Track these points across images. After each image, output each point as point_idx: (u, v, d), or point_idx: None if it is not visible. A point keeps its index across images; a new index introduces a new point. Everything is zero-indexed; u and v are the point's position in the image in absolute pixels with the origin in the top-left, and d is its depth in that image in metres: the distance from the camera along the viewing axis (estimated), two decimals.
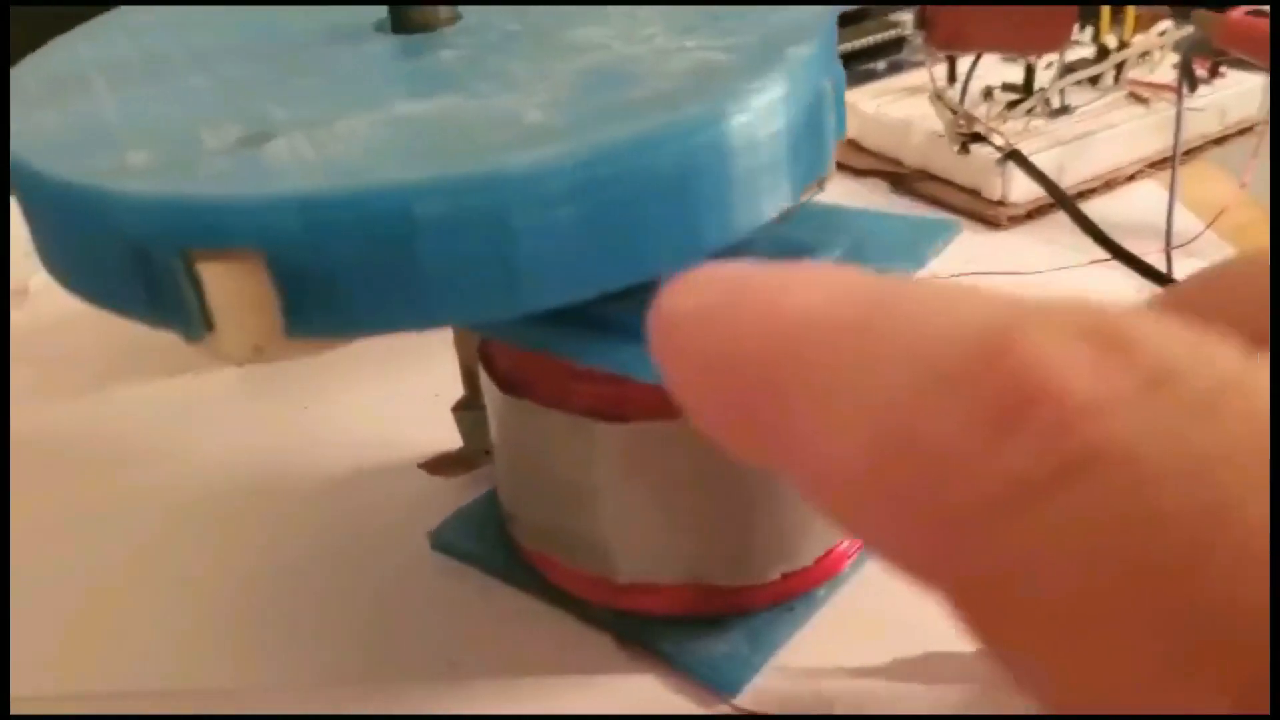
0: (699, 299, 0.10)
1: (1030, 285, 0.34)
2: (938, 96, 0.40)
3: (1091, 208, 0.37)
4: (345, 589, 0.26)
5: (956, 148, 0.40)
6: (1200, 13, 0.35)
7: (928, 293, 0.09)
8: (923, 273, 0.21)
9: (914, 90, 0.45)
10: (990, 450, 0.08)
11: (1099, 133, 0.40)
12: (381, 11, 0.22)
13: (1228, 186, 0.39)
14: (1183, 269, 0.34)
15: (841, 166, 0.43)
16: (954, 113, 0.40)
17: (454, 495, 0.27)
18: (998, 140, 0.39)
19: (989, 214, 0.39)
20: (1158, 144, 0.41)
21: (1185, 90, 0.37)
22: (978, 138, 0.39)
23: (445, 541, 0.26)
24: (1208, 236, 0.36)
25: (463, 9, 0.22)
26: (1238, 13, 0.34)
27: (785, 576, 0.22)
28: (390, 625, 0.24)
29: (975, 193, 0.40)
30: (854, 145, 0.45)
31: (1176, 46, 0.40)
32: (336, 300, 0.15)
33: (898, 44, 0.54)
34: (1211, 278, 0.11)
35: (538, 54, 0.19)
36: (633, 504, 0.22)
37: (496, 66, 0.19)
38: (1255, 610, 0.07)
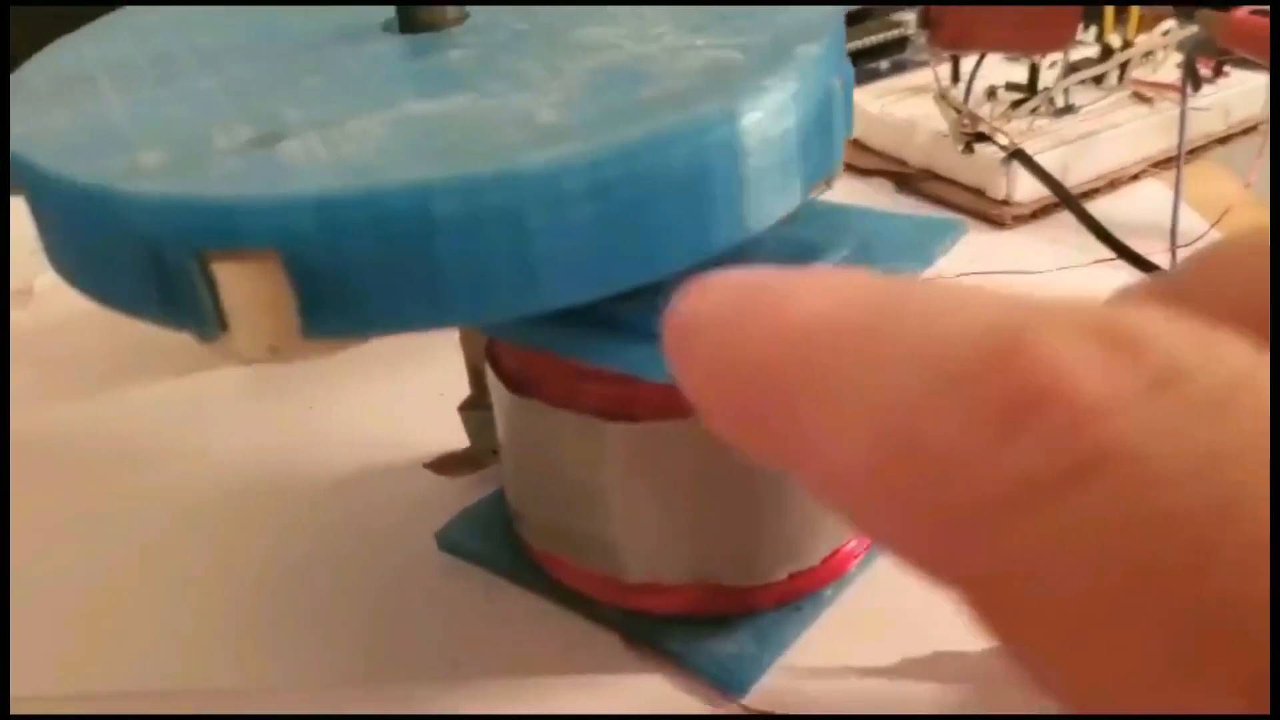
0: (711, 305, 0.10)
1: (1035, 284, 0.34)
2: (942, 96, 0.40)
3: (1096, 207, 0.37)
4: (351, 589, 0.26)
5: (961, 147, 0.40)
6: (1204, 12, 0.36)
7: (934, 294, 0.09)
8: (929, 272, 0.21)
9: (918, 90, 0.45)
10: (998, 450, 0.08)
11: (1103, 132, 0.40)
12: (387, 11, 0.22)
13: (1232, 186, 0.39)
14: None
15: (846, 166, 0.43)
16: (958, 112, 0.40)
17: (460, 495, 0.27)
18: (1002, 140, 0.39)
19: (993, 213, 0.39)
20: (1162, 143, 0.41)
21: (1189, 89, 0.37)
22: (982, 137, 0.39)
23: (451, 541, 0.26)
24: (1212, 236, 0.36)
25: (470, 9, 0.22)
26: (1241, 12, 0.34)
27: (793, 576, 0.22)
28: (396, 625, 0.24)
29: (980, 192, 0.40)
30: (858, 145, 0.45)
31: (1180, 46, 0.40)
32: (352, 300, 0.15)
33: (901, 43, 0.54)
34: (1205, 262, 0.11)
35: (548, 53, 0.19)
36: (641, 504, 0.22)
37: (508, 66, 0.19)
38: (1263, 608, 0.07)
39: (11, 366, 0.36)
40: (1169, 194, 0.36)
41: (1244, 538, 0.07)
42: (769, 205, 0.18)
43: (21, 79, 0.21)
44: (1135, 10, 0.42)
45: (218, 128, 0.17)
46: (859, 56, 0.52)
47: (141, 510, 0.29)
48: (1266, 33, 0.34)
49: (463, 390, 0.27)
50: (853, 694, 0.21)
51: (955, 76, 0.43)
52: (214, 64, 0.21)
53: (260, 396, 0.33)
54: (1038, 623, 0.08)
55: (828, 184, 0.19)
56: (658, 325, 0.18)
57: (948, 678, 0.21)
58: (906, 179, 0.42)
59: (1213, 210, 0.37)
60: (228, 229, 0.15)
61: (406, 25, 0.21)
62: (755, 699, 0.21)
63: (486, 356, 0.23)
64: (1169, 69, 0.43)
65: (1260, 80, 0.43)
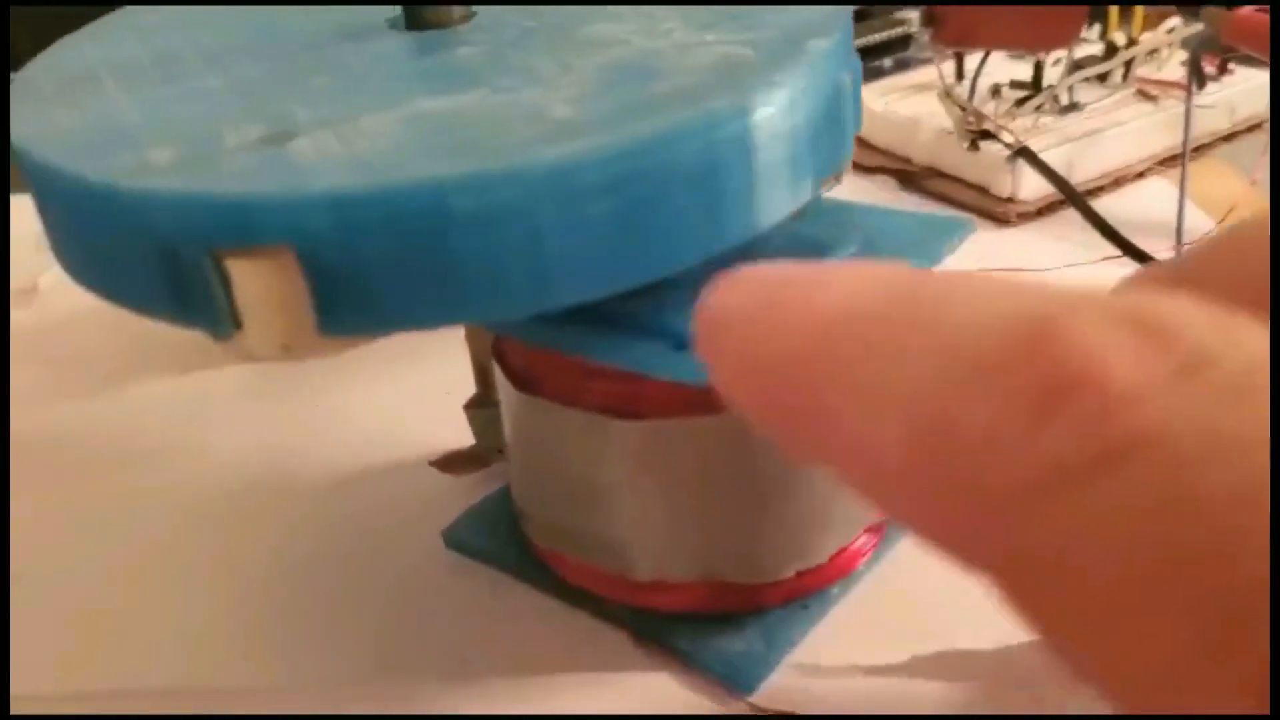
0: (740, 300, 0.10)
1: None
2: (946, 93, 0.40)
3: (1101, 205, 0.37)
4: (357, 587, 0.26)
5: (965, 145, 0.40)
6: (1209, 9, 0.35)
7: (958, 284, 0.09)
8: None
9: (922, 87, 0.45)
10: (1031, 435, 0.08)
11: (1108, 130, 0.40)
12: (388, 11, 0.22)
13: (1238, 183, 0.39)
14: None
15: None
16: (963, 109, 0.40)
17: (466, 493, 0.27)
18: (1007, 137, 0.39)
19: (998, 211, 0.39)
20: (1167, 141, 0.41)
21: (1194, 87, 0.37)
22: (987, 135, 0.39)
23: (458, 539, 0.26)
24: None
25: (476, 8, 0.22)
26: (1246, 9, 0.34)
27: (800, 574, 0.22)
28: (402, 623, 0.24)
29: (984, 190, 0.40)
30: (862, 142, 0.45)
31: (1185, 43, 0.40)
32: (366, 297, 0.15)
33: (904, 41, 0.54)
34: (1216, 247, 0.11)
35: (558, 49, 0.19)
36: (647, 501, 0.22)
37: (518, 62, 0.19)
38: None
39: (16, 365, 0.36)
40: (1174, 192, 0.36)
41: (1269, 522, 0.07)
42: (781, 200, 0.18)
43: (25, 79, 0.21)
44: (1140, 8, 0.42)
45: (227, 126, 0.17)
46: (862, 54, 0.52)
47: (145, 509, 0.29)
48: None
49: (468, 388, 0.27)
50: (861, 692, 0.21)
51: (959, 74, 0.43)
52: (218, 63, 0.21)
53: (264, 395, 0.33)
54: (1069, 608, 0.08)
55: (837, 179, 0.19)
56: (663, 323, 0.18)
57: (956, 676, 0.21)
58: (910, 176, 0.42)
59: (1218, 208, 0.37)
60: (242, 226, 0.15)
61: (412, 23, 0.21)
62: (763, 697, 0.21)
63: (493, 354, 0.23)
64: (1174, 66, 0.43)
65: (1265, 78, 0.42)
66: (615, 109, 0.16)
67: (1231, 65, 0.43)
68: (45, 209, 0.18)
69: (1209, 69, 0.41)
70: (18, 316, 0.39)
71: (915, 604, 0.23)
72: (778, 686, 0.22)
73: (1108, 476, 0.07)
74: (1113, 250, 0.35)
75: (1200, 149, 0.42)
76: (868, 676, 0.21)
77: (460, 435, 0.28)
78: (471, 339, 0.27)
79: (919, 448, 0.08)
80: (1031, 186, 0.39)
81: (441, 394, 0.29)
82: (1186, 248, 0.12)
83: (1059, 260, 0.36)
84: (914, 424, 0.08)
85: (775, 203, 0.17)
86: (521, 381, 0.22)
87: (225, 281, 0.15)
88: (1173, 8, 0.40)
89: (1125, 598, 0.07)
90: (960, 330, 0.09)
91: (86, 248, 0.17)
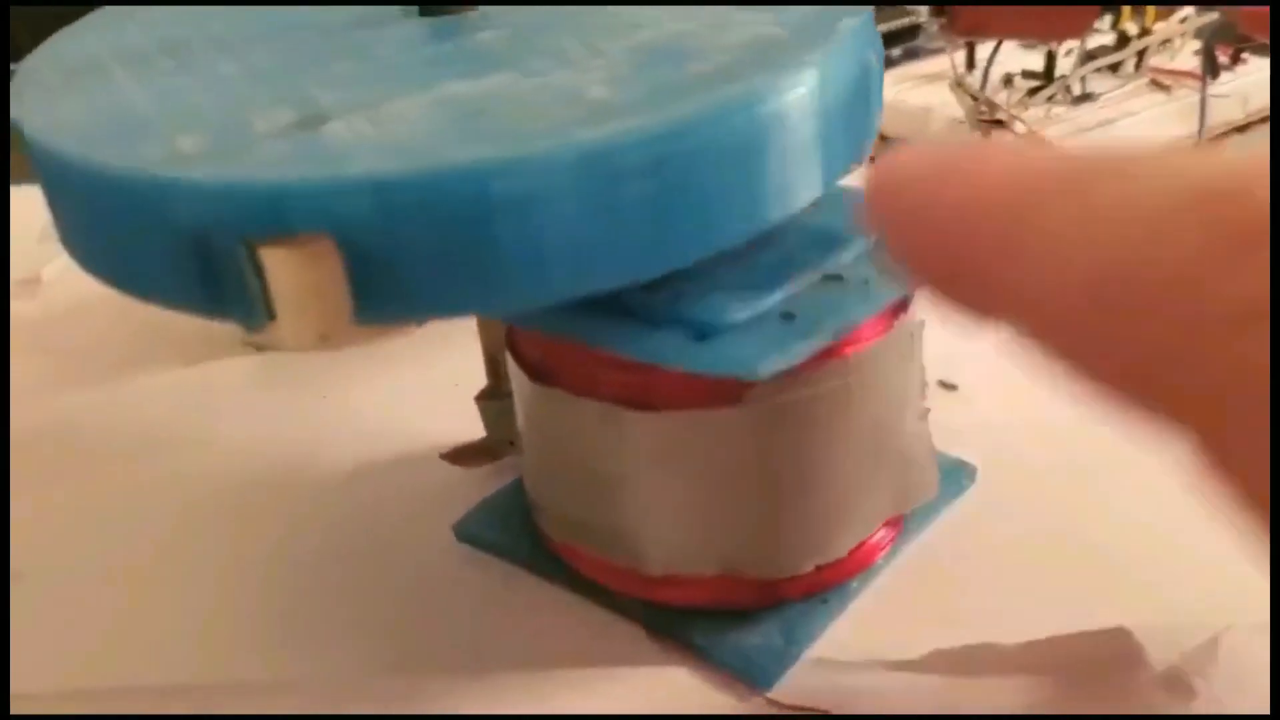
0: (913, 163, 0.11)
1: None
2: (958, 83, 0.40)
3: None
4: (368, 581, 0.25)
5: (978, 135, 0.39)
6: None
7: (1144, 146, 0.10)
8: None
9: (933, 77, 0.45)
10: (1229, 272, 0.08)
11: (1120, 120, 0.40)
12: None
13: None
14: None
15: None
16: (975, 99, 0.39)
17: (477, 486, 0.27)
18: (1019, 127, 0.38)
19: None
20: (1179, 131, 0.40)
21: (1208, 77, 0.37)
22: (999, 124, 0.39)
23: (470, 532, 0.26)
24: None
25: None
26: None
27: (819, 568, 0.22)
28: (414, 617, 0.24)
29: None
30: None
31: (1198, 33, 0.40)
32: (406, 284, 0.15)
33: (913, 30, 0.54)
34: None
35: (585, 32, 0.19)
36: (662, 494, 0.21)
37: (544, 45, 0.19)
38: None
39: (19, 356, 0.35)
40: None
41: None
42: (814, 178, 0.18)
43: (28, 70, 0.21)
44: None
45: (253, 112, 0.17)
46: None
47: (150, 502, 0.29)
48: None
49: (478, 380, 0.27)
50: (881, 687, 0.21)
51: (971, 64, 0.43)
52: (231, 51, 0.20)
53: (272, 386, 0.33)
54: (1248, 443, 0.08)
55: (871, 158, 0.19)
56: (681, 313, 0.18)
57: (977, 671, 0.21)
58: None
59: None
60: (278, 214, 0.15)
61: (428, 9, 0.21)
62: (781, 692, 0.21)
63: (507, 345, 0.23)
64: (1186, 56, 0.42)
65: None
66: (652, 90, 0.16)
67: (1245, 55, 0.42)
68: (57, 200, 0.18)
69: (1222, 58, 0.41)
70: (20, 307, 0.38)
71: (935, 598, 0.23)
72: (796, 682, 0.21)
73: None
74: None
75: (1214, 139, 0.41)
76: (888, 671, 0.21)
77: (471, 428, 0.28)
78: (484, 330, 0.26)
79: (1107, 289, 0.09)
80: None
81: (450, 386, 0.29)
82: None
83: None
84: (1102, 262, 0.09)
85: (809, 181, 0.17)
86: (536, 373, 0.22)
87: (259, 271, 0.15)
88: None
89: None
90: (1154, 178, 0.09)
91: (106, 238, 0.17)
